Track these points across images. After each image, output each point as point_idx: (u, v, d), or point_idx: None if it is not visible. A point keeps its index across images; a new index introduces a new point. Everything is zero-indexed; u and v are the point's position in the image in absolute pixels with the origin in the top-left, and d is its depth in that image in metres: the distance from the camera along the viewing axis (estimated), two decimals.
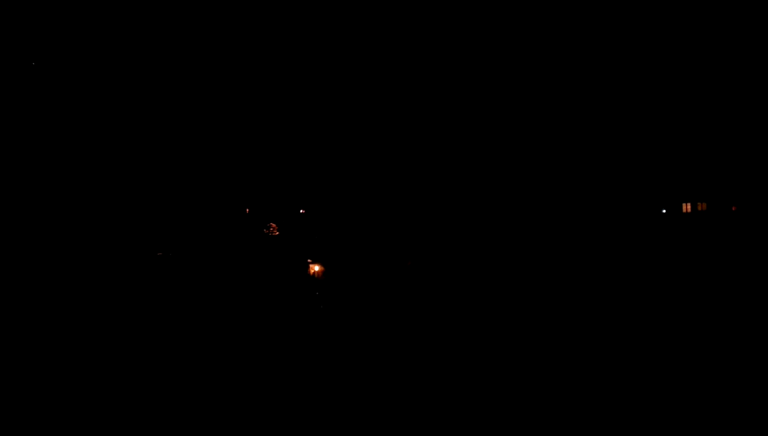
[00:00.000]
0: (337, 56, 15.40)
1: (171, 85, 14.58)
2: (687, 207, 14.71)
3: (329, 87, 15.56)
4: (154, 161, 14.44)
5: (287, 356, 9.11)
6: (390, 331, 10.30)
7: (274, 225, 14.91)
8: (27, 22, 13.18)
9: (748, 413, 6.81)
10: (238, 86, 15.22)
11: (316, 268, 13.46)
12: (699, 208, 14.63)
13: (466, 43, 15.11)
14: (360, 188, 15.65)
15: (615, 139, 14.99)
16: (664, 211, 14.78)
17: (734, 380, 7.67)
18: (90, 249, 13.29)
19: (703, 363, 8.31)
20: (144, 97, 14.41)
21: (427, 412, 7.10)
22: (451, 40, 15.12)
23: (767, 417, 6.72)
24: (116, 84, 14.22)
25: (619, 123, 14.94)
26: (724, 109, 14.30)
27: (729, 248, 13.72)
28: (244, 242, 14.40)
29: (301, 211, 15.53)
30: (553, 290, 12.59)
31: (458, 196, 15.53)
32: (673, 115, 14.66)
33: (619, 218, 14.94)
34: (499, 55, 15.11)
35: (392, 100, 15.57)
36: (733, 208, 14.27)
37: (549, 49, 14.87)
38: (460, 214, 15.43)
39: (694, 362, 8.40)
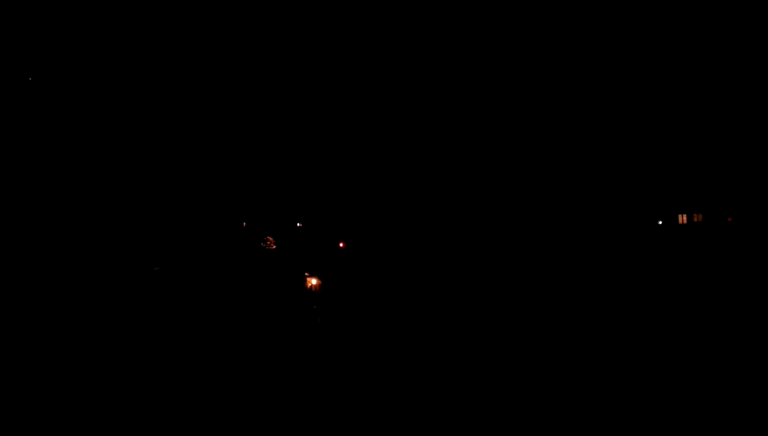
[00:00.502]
0: (330, 75, 15.47)
1: (171, 98, 14.63)
2: (683, 218, 14.76)
3: (324, 102, 15.63)
4: (151, 176, 14.44)
5: (286, 369, 9.07)
6: (387, 344, 10.27)
7: (271, 239, 14.90)
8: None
9: (736, 411, 6.88)
10: (235, 102, 15.28)
11: (314, 281, 13.43)
12: (695, 219, 14.68)
13: (459, 62, 15.22)
14: (357, 201, 15.67)
15: (610, 152, 15.07)
16: (660, 222, 14.83)
17: (726, 382, 7.72)
18: (88, 265, 13.22)
19: (696, 366, 8.35)
20: (144, 110, 14.43)
21: (422, 420, 7.11)
22: (445, 55, 15.23)
23: (752, 414, 6.84)
24: (113, 102, 14.24)
25: (615, 136, 15.03)
26: (720, 122, 14.41)
27: (725, 258, 13.75)
28: (241, 256, 14.36)
29: (298, 224, 15.52)
30: (550, 302, 12.58)
31: (454, 211, 15.56)
32: (668, 127, 14.77)
33: (615, 230, 14.97)
34: (488, 79, 15.21)
35: (386, 115, 15.64)
36: (729, 219, 14.33)
37: (542, 69, 14.98)
38: (456, 228, 15.44)
39: (688, 365, 8.45)
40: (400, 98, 15.54)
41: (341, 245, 15.19)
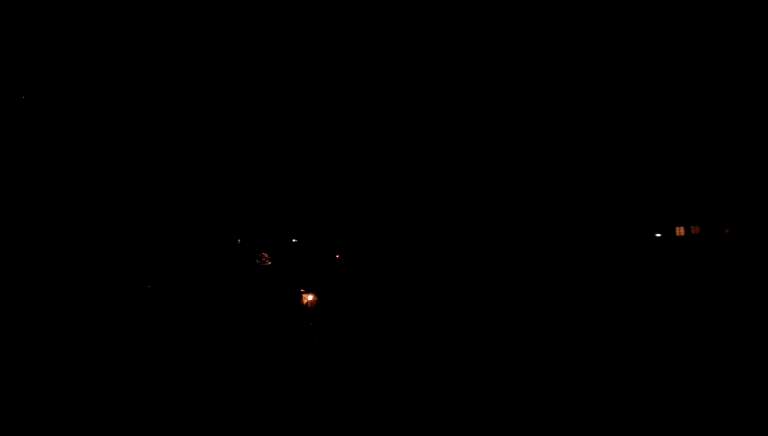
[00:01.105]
0: (322, 93, 15.43)
1: (167, 111, 14.54)
2: (680, 230, 14.74)
3: (317, 116, 15.59)
4: (145, 193, 14.30)
5: (282, 387, 8.90)
6: (385, 362, 10.10)
7: (266, 255, 14.77)
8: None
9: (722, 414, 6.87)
10: (229, 117, 15.22)
11: (309, 297, 13.27)
12: (692, 231, 14.66)
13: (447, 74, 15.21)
14: (351, 216, 15.57)
15: (607, 166, 15.05)
16: (658, 234, 14.80)
17: (720, 386, 7.72)
18: (81, 283, 13.04)
19: (690, 376, 8.31)
20: (139, 122, 14.32)
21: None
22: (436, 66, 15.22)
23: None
24: (106, 115, 14.13)
25: (612, 150, 15.03)
26: (717, 134, 14.44)
27: (723, 270, 13.70)
28: (236, 273, 14.21)
29: (293, 240, 15.40)
30: (548, 320, 12.46)
31: (450, 225, 15.47)
32: (666, 141, 14.79)
33: (612, 244, 14.91)
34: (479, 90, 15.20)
35: (378, 129, 15.59)
36: (726, 231, 14.31)
37: (538, 90, 14.99)
38: (453, 242, 15.34)
39: (683, 375, 8.41)
40: (392, 112, 15.51)
41: (337, 257, 15.08)
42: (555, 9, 14.52)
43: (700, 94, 14.46)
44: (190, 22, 14.25)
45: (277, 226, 15.36)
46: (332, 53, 15.12)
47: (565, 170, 15.17)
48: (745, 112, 14.14)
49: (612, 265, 14.58)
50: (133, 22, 13.84)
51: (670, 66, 14.53)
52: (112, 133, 14.18)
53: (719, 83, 14.28)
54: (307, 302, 13.24)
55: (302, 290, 13.55)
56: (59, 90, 13.50)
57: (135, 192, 14.24)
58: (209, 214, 14.80)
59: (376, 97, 15.41)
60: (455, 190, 15.48)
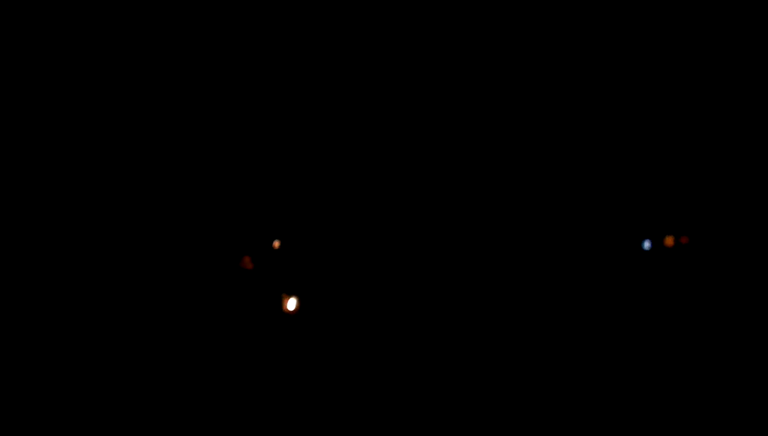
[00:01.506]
0: (312, 79, 15.18)
1: (139, 106, 14.00)
2: (669, 240, 14.80)
3: (305, 114, 15.33)
4: (120, 185, 13.74)
5: (262, 404, 8.51)
6: (376, 379, 9.77)
7: (247, 258, 14.30)
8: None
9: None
10: (209, 112, 14.81)
11: (294, 303, 12.84)
12: (682, 241, 14.75)
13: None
14: (339, 217, 15.26)
15: (592, 168, 15.07)
16: (648, 244, 14.86)
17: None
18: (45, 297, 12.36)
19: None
20: (110, 119, 13.76)
21: None
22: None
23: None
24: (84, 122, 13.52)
25: (597, 151, 15.05)
26: (708, 139, 14.58)
27: (712, 282, 13.80)
28: (214, 278, 13.73)
29: (275, 243, 14.98)
30: (527, 338, 12.31)
31: (442, 233, 15.28)
32: (654, 142, 14.87)
33: (595, 255, 14.91)
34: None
35: (369, 121, 15.37)
36: (716, 239, 14.43)
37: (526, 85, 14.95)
38: (444, 252, 15.16)
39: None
40: (382, 102, 15.29)
41: (324, 260, 14.74)
42: (547, 10, 14.54)
43: (689, 98, 14.60)
44: (166, 18, 13.81)
45: (259, 226, 14.93)
46: (310, 45, 14.86)
47: (551, 176, 15.13)
48: (736, 116, 14.31)
49: (600, 274, 14.56)
50: (110, 15, 13.35)
51: (654, 72, 14.65)
52: (80, 131, 13.57)
53: (707, 86, 14.43)
54: (291, 310, 12.82)
55: (285, 295, 13.15)
56: (29, 87, 12.91)
57: (104, 191, 13.64)
58: (186, 216, 14.31)
59: (364, 87, 15.18)
60: (438, 195, 15.31)
